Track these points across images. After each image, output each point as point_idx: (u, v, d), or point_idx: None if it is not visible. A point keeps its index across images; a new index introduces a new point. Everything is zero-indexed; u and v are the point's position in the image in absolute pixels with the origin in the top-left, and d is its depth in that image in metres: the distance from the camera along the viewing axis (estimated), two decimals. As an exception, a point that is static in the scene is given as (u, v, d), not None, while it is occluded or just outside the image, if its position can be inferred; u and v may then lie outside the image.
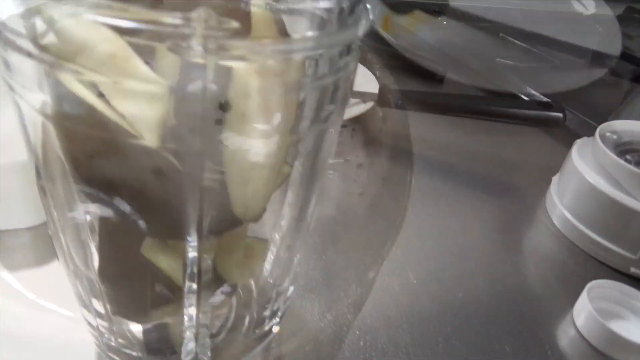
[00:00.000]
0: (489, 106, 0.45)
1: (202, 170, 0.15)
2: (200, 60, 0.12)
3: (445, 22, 0.75)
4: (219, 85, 0.13)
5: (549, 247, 0.36)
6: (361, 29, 0.16)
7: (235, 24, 0.12)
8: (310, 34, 0.17)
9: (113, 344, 0.21)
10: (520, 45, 0.70)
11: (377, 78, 0.51)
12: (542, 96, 0.55)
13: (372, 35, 0.67)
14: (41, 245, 0.29)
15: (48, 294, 0.26)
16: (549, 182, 0.42)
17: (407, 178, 0.42)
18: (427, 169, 0.43)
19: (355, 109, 0.45)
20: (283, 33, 0.16)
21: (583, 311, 0.29)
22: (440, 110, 0.45)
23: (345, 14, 0.16)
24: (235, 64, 0.14)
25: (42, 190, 0.18)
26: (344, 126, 0.44)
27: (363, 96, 0.47)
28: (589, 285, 0.30)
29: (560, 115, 0.44)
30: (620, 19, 0.78)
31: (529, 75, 0.60)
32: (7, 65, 0.15)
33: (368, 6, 0.17)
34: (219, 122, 0.14)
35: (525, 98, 0.57)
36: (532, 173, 0.45)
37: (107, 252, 0.19)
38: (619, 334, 0.27)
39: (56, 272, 0.28)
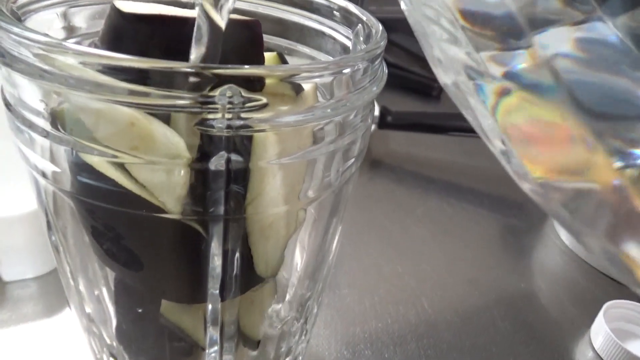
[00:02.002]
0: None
1: (225, 236, 0.15)
2: (223, 134, 0.12)
3: (437, 36, 0.75)
4: (242, 155, 0.13)
5: (561, 266, 0.36)
6: (379, 85, 0.16)
7: (261, 100, 0.12)
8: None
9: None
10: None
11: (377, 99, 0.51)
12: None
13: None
14: (50, 294, 0.29)
15: (58, 346, 0.26)
16: (554, 197, 0.42)
17: (413, 201, 0.41)
18: (432, 189, 0.43)
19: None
20: (298, 90, 0.16)
21: (600, 333, 0.29)
22: (441, 131, 0.45)
23: (360, 74, 0.15)
24: (256, 134, 0.14)
25: (55, 247, 0.18)
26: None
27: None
28: (605, 305, 0.30)
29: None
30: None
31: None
32: (22, 137, 0.14)
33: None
34: (242, 189, 0.14)
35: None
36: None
37: (124, 311, 0.19)
38: (636, 356, 0.27)
39: (66, 323, 0.27)
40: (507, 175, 0.50)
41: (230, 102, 0.12)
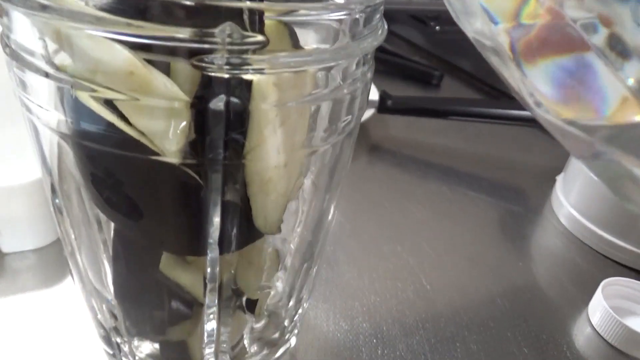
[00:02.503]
0: (488, 108, 0.46)
1: (224, 185, 0.15)
2: (224, 75, 0.12)
3: (438, 28, 0.75)
4: (241, 98, 0.13)
5: (559, 247, 0.36)
6: (379, 39, 0.16)
7: (260, 38, 0.12)
8: (323, 46, 0.17)
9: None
10: (514, 47, 0.70)
11: (375, 84, 0.52)
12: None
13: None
14: (48, 266, 0.29)
15: (56, 316, 0.26)
16: (552, 182, 0.42)
17: (412, 184, 0.41)
18: (432, 174, 0.43)
19: (356, 116, 0.45)
20: (296, 45, 0.16)
21: (598, 309, 0.29)
22: (441, 115, 0.45)
23: (360, 25, 0.16)
24: (255, 78, 0.14)
25: (58, 210, 0.18)
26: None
27: (363, 103, 0.47)
28: (603, 283, 0.30)
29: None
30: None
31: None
32: (23, 85, 0.14)
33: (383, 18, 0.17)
34: (241, 135, 0.14)
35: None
36: (536, 173, 0.45)
37: (123, 270, 0.19)
38: (635, 331, 0.27)
39: (64, 294, 0.27)
40: (507, 160, 0.51)
41: (229, 37, 0.12)
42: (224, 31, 0.12)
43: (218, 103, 0.13)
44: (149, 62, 0.13)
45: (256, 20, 0.14)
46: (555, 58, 0.17)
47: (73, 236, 0.18)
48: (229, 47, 0.12)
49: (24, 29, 0.13)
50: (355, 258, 0.32)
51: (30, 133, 0.17)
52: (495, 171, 0.45)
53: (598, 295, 0.29)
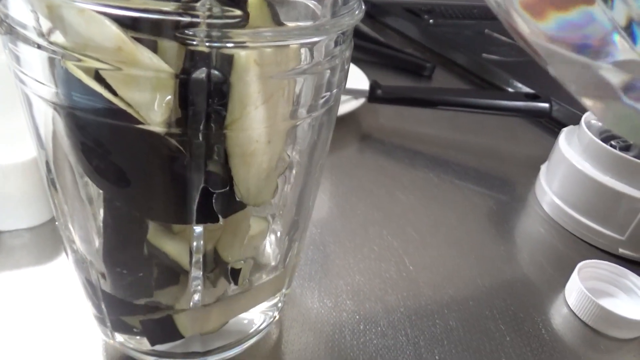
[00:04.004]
0: (477, 99, 0.47)
1: (206, 155, 0.16)
2: (204, 49, 0.13)
3: (432, 21, 0.76)
4: (222, 71, 0.14)
5: (540, 232, 0.38)
6: (356, 18, 0.17)
7: (239, 12, 0.13)
8: (304, 23, 0.17)
9: (118, 334, 0.22)
10: (506, 40, 0.71)
11: (367, 75, 0.52)
12: (527, 88, 0.56)
13: (361, 34, 0.68)
14: (42, 244, 0.30)
15: (49, 292, 0.27)
16: (538, 170, 0.43)
17: (400, 171, 0.42)
18: (420, 161, 0.44)
19: (347, 105, 0.46)
20: (278, 22, 0.17)
21: (574, 290, 0.30)
22: (430, 105, 0.46)
23: (339, 5, 0.16)
24: (236, 52, 0.15)
25: (52, 184, 0.19)
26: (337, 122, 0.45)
27: (354, 93, 0.48)
28: (579, 265, 0.31)
29: (547, 105, 0.45)
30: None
31: (516, 69, 0.62)
32: (17, 59, 0.15)
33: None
34: (222, 107, 0.15)
35: (511, 90, 0.58)
36: (522, 162, 0.46)
37: (113, 240, 0.20)
38: (609, 310, 0.28)
39: (57, 271, 0.28)
40: (494, 150, 0.52)
41: (209, 11, 0.12)
42: (204, 5, 0.12)
43: (200, 75, 0.14)
44: (138, 40, 0.14)
45: None
46: None
47: (66, 209, 0.19)
48: (209, 20, 0.13)
49: (18, 3, 0.14)
50: (341, 240, 0.33)
51: (24, 108, 0.18)
52: (482, 160, 0.46)
53: (574, 277, 0.30)
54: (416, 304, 0.29)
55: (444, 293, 0.30)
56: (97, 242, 0.20)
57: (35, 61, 0.15)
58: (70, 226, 0.19)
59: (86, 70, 0.15)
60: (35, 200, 0.30)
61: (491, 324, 0.29)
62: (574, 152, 0.38)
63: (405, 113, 0.51)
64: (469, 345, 0.27)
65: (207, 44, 0.13)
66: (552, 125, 0.53)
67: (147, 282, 0.19)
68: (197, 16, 0.13)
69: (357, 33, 0.68)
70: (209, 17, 0.13)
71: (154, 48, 0.15)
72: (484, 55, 0.65)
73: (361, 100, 0.47)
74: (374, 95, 0.47)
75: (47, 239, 0.30)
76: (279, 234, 0.22)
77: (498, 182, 0.43)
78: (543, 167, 0.42)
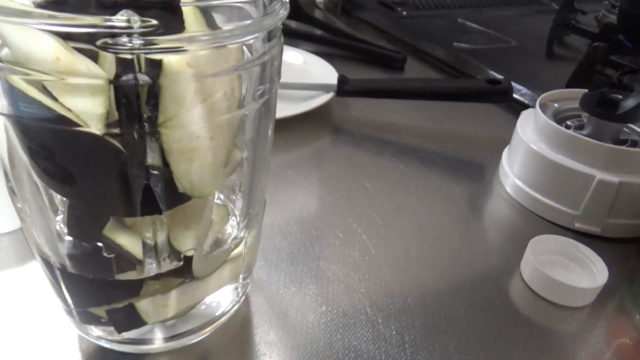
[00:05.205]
0: (442, 87, 0.48)
1: (144, 152, 0.17)
2: (127, 56, 0.15)
3: (405, 13, 0.77)
4: (150, 75, 0.16)
5: (503, 212, 0.39)
6: (277, 17, 0.18)
7: (153, 22, 0.14)
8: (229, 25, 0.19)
9: (88, 325, 0.24)
10: (478, 28, 0.73)
11: (338, 71, 0.54)
12: (497, 75, 0.58)
13: (331, 28, 0.70)
14: (19, 247, 0.32)
15: (28, 293, 0.28)
16: (502, 154, 0.44)
17: (368, 160, 0.44)
18: (388, 150, 0.46)
19: (316, 100, 0.48)
20: (212, 26, 0.19)
21: (528, 264, 0.32)
22: (395, 96, 0.47)
23: (262, 6, 0.18)
24: (165, 57, 0.16)
25: (12, 191, 0.20)
26: (309, 116, 0.47)
27: (323, 88, 0.49)
28: (532, 240, 0.33)
29: (508, 89, 0.47)
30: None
31: (486, 57, 0.63)
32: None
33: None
34: (154, 107, 0.16)
35: (479, 77, 0.59)
36: (487, 147, 0.48)
37: (75, 235, 0.21)
38: (559, 281, 0.30)
39: (34, 273, 0.30)
40: (460, 136, 0.54)
41: (127, 23, 0.14)
42: (122, 16, 0.14)
43: (126, 79, 0.15)
44: (79, 50, 0.16)
45: (173, 8, 0.16)
46: None
47: (27, 210, 0.21)
48: (127, 30, 0.14)
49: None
50: (307, 229, 0.35)
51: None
52: (449, 146, 0.48)
53: (528, 252, 0.32)
54: (377, 284, 0.31)
55: (404, 274, 0.32)
56: (59, 243, 0.21)
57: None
58: (32, 228, 0.21)
59: (30, 82, 0.16)
60: (11, 206, 0.32)
61: (448, 299, 0.30)
62: (531, 134, 0.39)
63: (376, 105, 0.52)
64: (425, 320, 0.29)
65: (129, 51, 0.15)
66: (519, 108, 0.54)
67: (109, 267, 0.21)
68: (116, 27, 0.14)
69: (331, 29, 0.69)
70: (127, 27, 0.14)
71: (95, 56, 0.16)
72: (455, 44, 0.66)
73: (330, 94, 0.49)
74: (342, 89, 0.48)
75: (25, 243, 0.32)
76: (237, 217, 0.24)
77: (464, 167, 0.45)
78: (505, 151, 0.44)
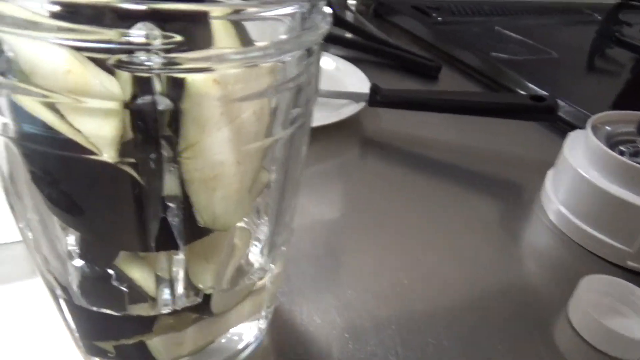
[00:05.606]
0: (481, 102, 0.45)
1: (161, 182, 0.15)
2: (145, 75, 0.12)
3: (440, 18, 0.74)
4: (171, 97, 0.13)
5: (545, 242, 0.36)
6: (319, 33, 0.16)
7: (178, 38, 0.12)
8: (274, 40, 0.17)
9: (93, 355, 0.22)
10: (516, 37, 0.69)
11: (369, 77, 0.51)
12: (537, 89, 0.54)
13: (363, 32, 0.67)
14: (31, 258, 0.30)
15: (38, 305, 0.27)
16: (544, 176, 0.41)
17: (400, 177, 0.41)
18: (421, 167, 0.43)
19: (346, 110, 0.45)
20: (245, 41, 0.16)
21: (577, 307, 0.29)
22: (430, 109, 0.45)
23: (303, 19, 0.15)
24: (189, 76, 0.14)
25: (12, 207, 0.18)
26: (338, 126, 0.44)
27: (354, 97, 0.47)
28: (583, 280, 0.29)
29: (553, 107, 0.43)
30: (619, 6, 0.77)
31: (526, 68, 0.60)
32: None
33: (328, 10, 0.17)
34: (174, 133, 0.14)
35: (522, 92, 0.56)
36: (528, 168, 0.45)
37: (87, 260, 0.19)
38: (614, 330, 0.27)
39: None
40: (499, 154, 0.50)
41: (146, 39, 0.12)
42: (140, 30, 0.12)
43: (144, 102, 0.13)
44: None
45: (200, 19, 0.14)
46: None
47: (28, 231, 0.19)
48: (146, 46, 0.12)
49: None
50: (334, 252, 0.32)
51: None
52: (487, 165, 0.45)
53: (578, 293, 0.29)
54: (409, 320, 0.28)
55: (439, 309, 0.29)
56: (64, 268, 0.19)
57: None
58: (34, 251, 0.19)
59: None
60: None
61: (487, 343, 0.27)
62: (580, 158, 0.36)
63: (408, 116, 0.49)
64: (461, 365, 0.26)
65: (147, 70, 0.12)
66: (563, 127, 0.51)
67: (121, 296, 0.19)
68: (134, 43, 0.12)
69: (363, 33, 0.66)
70: (146, 44, 0.12)
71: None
72: (493, 53, 0.63)
73: (362, 104, 0.46)
74: (374, 99, 0.45)
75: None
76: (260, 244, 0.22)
77: (502, 188, 0.42)
78: (549, 173, 0.40)
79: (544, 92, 0.53)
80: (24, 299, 0.27)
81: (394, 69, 0.62)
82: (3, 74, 0.14)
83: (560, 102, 0.50)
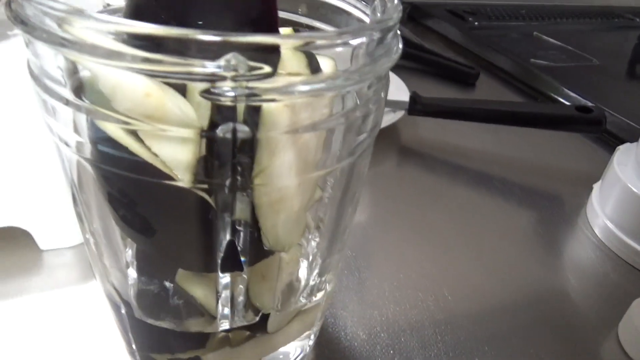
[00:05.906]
0: (524, 112, 0.44)
1: (233, 207, 0.15)
2: (229, 104, 0.13)
3: (476, 23, 0.73)
4: (249, 126, 0.14)
5: (591, 259, 0.35)
6: (392, 59, 0.16)
7: (267, 69, 0.12)
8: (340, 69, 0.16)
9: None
10: (555, 43, 0.68)
11: (408, 85, 0.51)
12: (580, 97, 0.53)
13: (402, 38, 0.66)
14: (83, 263, 0.31)
15: (89, 311, 0.27)
16: (589, 190, 0.40)
17: (440, 188, 0.41)
18: (461, 178, 0.43)
19: (385, 118, 0.45)
20: (315, 69, 0.16)
21: (629, 330, 0.28)
22: (471, 119, 0.44)
23: (374, 46, 0.15)
24: (266, 105, 0.14)
25: (79, 217, 0.19)
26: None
27: (394, 105, 0.46)
28: (635, 302, 0.29)
29: (601, 119, 0.42)
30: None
31: (567, 76, 0.58)
32: (45, 107, 0.15)
33: (398, 32, 0.17)
34: (249, 160, 0.14)
35: (566, 102, 0.55)
36: (572, 181, 0.44)
37: (144, 276, 0.19)
38: (668, 355, 0.26)
39: (98, 290, 0.29)
40: (541, 166, 0.49)
41: (234, 70, 0.12)
42: (229, 62, 0.12)
43: (225, 131, 0.13)
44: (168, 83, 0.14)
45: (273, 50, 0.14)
46: None
47: (92, 242, 0.19)
48: (234, 79, 0.12)
49: (46, 56, 0.14)
50: (376, 265, 0.32)
51: (53, 147, 0.18)
52: (529, 177, 0.44)
53: (629, 315, 0.28)
54: (454, 338, 0.28)
55: (484, 327, 0.29)
56: (125, 280, 0.20)
57: (62, 111, 0.15)
58: (96, 259, 0.19)
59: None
60: (75, 220, 0.31)
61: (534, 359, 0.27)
62: (631, 173, 0.35)
63: (447, 125, 0.49)
64: (510, 387, 0.25)
65: (231, 100, 0.12)
66: (608, 139, 0.49)
67: (178, 310, 0.19)
68: (222, 76, 0.12)
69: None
70: (234, 77, 0.12)
71: (183, 89, 0.14)
72: (532, 60, 0.62)
73: (400, 113, 0.46)
74: (413, 108, 0.45)
75: (88, 258, 0.31)
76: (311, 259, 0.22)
77: (545, 201, 0.41)
78: (596, 187, 0.39)
79: (586, 101, 0.52)
80: (75, 305, 0.28)
81: (429, 75, 0.61)
82: (79, 95, 0.14)
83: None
